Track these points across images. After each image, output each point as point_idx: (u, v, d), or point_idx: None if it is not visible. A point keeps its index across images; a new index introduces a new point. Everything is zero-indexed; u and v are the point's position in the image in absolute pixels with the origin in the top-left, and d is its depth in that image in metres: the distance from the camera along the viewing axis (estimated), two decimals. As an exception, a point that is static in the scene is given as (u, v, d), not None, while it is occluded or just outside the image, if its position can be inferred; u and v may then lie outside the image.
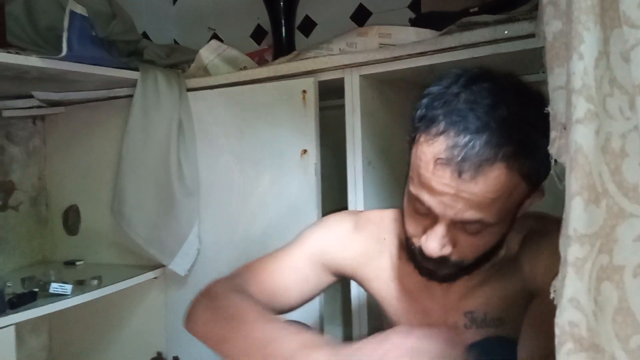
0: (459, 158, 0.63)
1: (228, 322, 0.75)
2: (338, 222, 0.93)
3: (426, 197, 0.68)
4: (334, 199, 1.38)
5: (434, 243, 0.70)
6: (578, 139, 0.42)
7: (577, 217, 0.42)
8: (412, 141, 0.71)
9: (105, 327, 1.57)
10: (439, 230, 0.69)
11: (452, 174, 0.64)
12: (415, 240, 0.74)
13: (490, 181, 0.64)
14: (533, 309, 0.70)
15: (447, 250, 0.70)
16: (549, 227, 0.75)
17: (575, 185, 0.42)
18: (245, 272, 0.89)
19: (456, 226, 0.69)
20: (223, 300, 0.80)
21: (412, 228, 0.75)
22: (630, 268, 0.39)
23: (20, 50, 1.19)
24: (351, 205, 1.21)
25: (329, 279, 0.92)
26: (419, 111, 0.69)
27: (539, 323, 0.66)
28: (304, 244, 0.91)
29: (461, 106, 0.66)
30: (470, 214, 0.66)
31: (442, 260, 0.72)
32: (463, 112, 0.65)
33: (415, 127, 0.70)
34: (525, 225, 0.78)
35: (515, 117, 0.64)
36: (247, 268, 0.91)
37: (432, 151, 0.66)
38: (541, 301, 0.68)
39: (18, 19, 1.25)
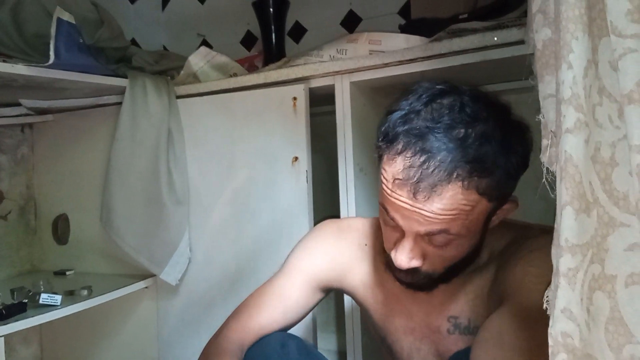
0: (414, 179, 0.65)
1: None
2: (322, 238, 0.95)
3: (391, 212, 0.71)
4: (325, 206, 1.38)
5: (402, 256, 0.72)
6: (568, 148, 0.43)
7: (568, 227, 0.42)
8: (379, 159, 0.73)
9: (97, 337, 1.55)
10: (407, 244, 0.72)
11: (409, 194, 0.67)
12: (389, 253, 0.77)
13: (445, 200, 0.66)
14: (491, 322, 0.69)
15: (415, 262, 0.73)
16: (530, 236, 0.76)
17: (565, 195, 0.42)
18: (238, 322, 0.90)
19: (423, 239, 0.72)
20: None
21: (385, 241, 0.78)
22: (622, 277, 0.39)
23: (7, 57, 1.19)
24: (343, 211, 1.21)
25: (319, 297, 0.94)
26: (382, 128, 0.71)
27: (493, 340, 0.66)
28: (292, 273, 0.92)
29: (420, 124, 0.67)
30: (432, 228, 0.68)
31: (413, 271, 0.75)
32: (421, 132, 0.66)
33: (379, 145, 0.72)
34: (509, 235, 0.80)
35: (473, 135, 0.66)
36: (239, 315, 0.92)
37: (391, 171, 0.69)
38: (501, 315, 0.69)
39: (5, 26, 1.24)
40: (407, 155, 0.67)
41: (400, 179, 0.67)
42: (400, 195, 0.68)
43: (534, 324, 0.58)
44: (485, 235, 0.76)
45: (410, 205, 0.67)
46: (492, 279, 0.78)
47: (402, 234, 0.73)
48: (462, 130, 0.66)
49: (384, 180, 0.70)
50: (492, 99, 0.72)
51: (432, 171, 0.65)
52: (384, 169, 0.70)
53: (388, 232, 0.76)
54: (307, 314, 0.93)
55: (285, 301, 0.90)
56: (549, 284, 0.59)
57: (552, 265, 0.61)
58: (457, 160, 0.64)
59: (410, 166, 0.66)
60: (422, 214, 0.67)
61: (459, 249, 0.73)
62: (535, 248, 0.72)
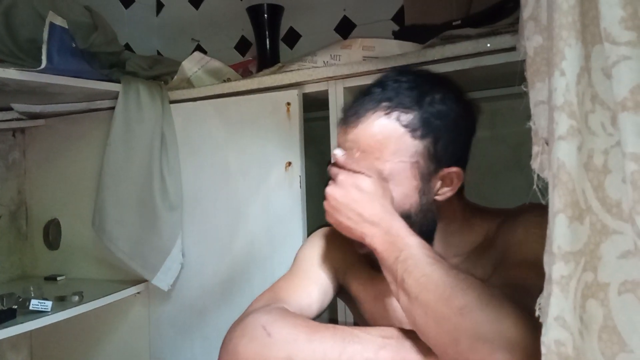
0: (350, 112, 0.79)
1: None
2: (319, 239, 0.96)
3: None
4: (319, 211, 1.37)
5: None
6: (561, 155, 0.42)
7: (561, 234, 0.42)
8: None
9: (88, 343, 1.54)
10: None
11: (344, 127, 0.79)
12: None
13: (370, 125, 0.76)
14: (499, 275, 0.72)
15: None
16: (524, 209, 0.80)
17: (558, 203, 0.42)
18: (270, 297, 0.84)
19: None
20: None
21: None
22: (614, 285, 0.39)
23: (-1, 62, 1.18)
24: (336, 217, 1.20)
25: (336, 286, 0.92)
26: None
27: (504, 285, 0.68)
28: (312, 260, 0.92)
29: (365, 89, 0.81)
30: (360, 162, 0.75)
31: None
32: (365, 90, 0.81)
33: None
34: (500, 216, 0.83)
35: (407, 83, 0.78)
36: (271, 293, 0.86)
37: (339, 122, 0.82)
38: (507, 272, 0.71)
39: (-3, 30, 1.23)
40: (353, 102, 0.80)
41: (341, 118, 0.80)
42: (341, 134, 0.79)
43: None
44: (429, 197, 0.78)
45: (346, 141, 0.78)
46: (488, 262, 0.79)
47: None
48: (402, 78, 0.79)
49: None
50: (430, 73, 0.86)
51: (363, 103, 0.77)
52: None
53: None
54: (329, 301, 0.90)
55: (318, 281, 0.88)
56: None
57: None
58: (388, 95, 0.76)
59: (351, 107, 0.80)
60: (351, 147, 0.77)
61: (397, 196, 0.76)
62: (530, 215, 0.77)
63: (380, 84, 0.79)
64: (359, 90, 0.82)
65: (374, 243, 0.72)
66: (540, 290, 0.61)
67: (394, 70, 0.83)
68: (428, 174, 0.77)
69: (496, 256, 0.78)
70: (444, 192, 0.79)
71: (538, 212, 0.75)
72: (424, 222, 0.79)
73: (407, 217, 0.76)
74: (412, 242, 0.69)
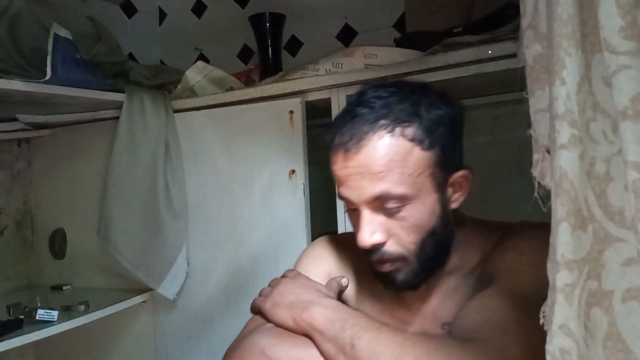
0: (346, 138, 0.71)
1: None
2: (319, 251, 0.93)
3: (341, 190, 0.74)
4: (323, 219, 1.37)
5: (362, 232, 0.72)
6: (563, 164, 0.43)
7: (564, 242, 0.42)
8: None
9: (94, 353, 1.54)
10: (363, 219, 0.73)
11: (344, 154, 0.72)
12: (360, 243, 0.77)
13: (374, 149, 0.70)
14: (474, 299, 0.70)
15: (377, 237, 0.73)
16: (519, 228, 0.77)
17: (561, 211, 0.42)
18: None
19: (379, 212, 0.73)
20: None
21: (355, 232, 0.77)
22: (619, 293, 0.39)
23: (4, 73, 1.18)
24: (340, 224, 1.21)
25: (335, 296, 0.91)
26: (327, 138, 0.77)
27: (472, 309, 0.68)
28: (302, 271, 0.89)
29: (347, 109, 0.75)
30: (373, 189, 0.70)
31: (386, 257, 0.74)
32: (348, 112, 0.74)
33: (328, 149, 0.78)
34: (495, 235, 0.79)
35: (393, 97, 0.73)
36: None
37: (332, 147, 0.74)
38: (486, 293, 0.70)
39: (1, 41, 1.24)
40: (341, 126, 0.73)
41: (336, 145, 0.72)
42: (339, 162, 0.72)
43: (527, 306, 0.60)
44: (445, 201, 0.75)
45: (348, 167, 0.71)
46: (482, 282, 0.76)
47: (359, 213, 0.74)
48: (385, 93, 0.73)
49: (331, 162, 0.75)
50: (408, 82, 0.79)
51: (360, 126, 0.70)
52: (330, 154, 0.75)
53: (353, 221, 0.77)
54: None
55: None
56: (539, 274, 0.61)
57: (541, 255, 0.64)
58: (380, 113, 0.71)
59: (343, 132, 0.72)
60: (358, 172, 0.70)
61: (416, 215, 0.72)
62: (521, 239, 0.73)
63: (362, 103, 0.74)
64: (343, 113, 0.77)
65: (314, 320, 0.71)
66: (513, 322, 0.62)
67: (366, 88, 0.77)
68: (442, 182, 0.74)
69: (484, 281, 0.74)
70: (457, 198, 0.76)
71: (532, 235, 0.73)
72: (446, 237, 0.76)
73: (432, 234, 0.74)
74: (353, 312, 0.71)
